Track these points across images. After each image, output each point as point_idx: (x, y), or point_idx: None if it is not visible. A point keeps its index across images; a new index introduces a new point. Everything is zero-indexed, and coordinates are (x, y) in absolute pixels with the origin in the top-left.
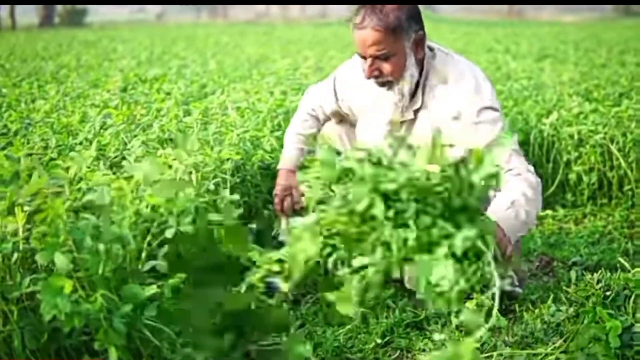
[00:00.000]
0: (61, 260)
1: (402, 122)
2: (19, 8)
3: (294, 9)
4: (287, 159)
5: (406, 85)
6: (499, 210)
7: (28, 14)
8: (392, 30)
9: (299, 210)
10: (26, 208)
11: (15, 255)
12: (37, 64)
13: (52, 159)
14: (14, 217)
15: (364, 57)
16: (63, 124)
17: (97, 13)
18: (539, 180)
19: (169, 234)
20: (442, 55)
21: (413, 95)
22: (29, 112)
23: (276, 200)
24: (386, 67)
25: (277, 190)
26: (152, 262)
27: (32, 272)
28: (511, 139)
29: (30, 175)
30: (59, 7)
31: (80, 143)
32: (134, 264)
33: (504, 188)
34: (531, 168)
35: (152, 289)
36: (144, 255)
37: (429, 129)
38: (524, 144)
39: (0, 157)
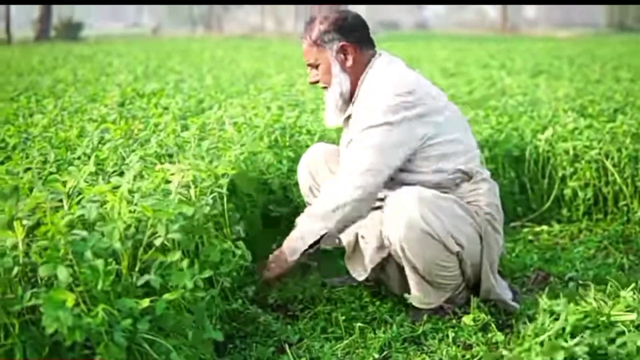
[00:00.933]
0: (63, 274)
1: (346, 119)
2: (14, 22)
3: (289, 24)
4: None
5: (336, 89)
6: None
7: (24, 28)
8: (314, 42)
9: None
10: (25, 222)
11: (16, 269)
12: (33, 78)
13: (51, 174)
14: (14, 231)
15: None
16: (61, 139)
17: (92, 27)
18: (359, 183)
19: (158, 242)
20: (383, 62)
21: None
22: (27, 127)
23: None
24: (318, 74)
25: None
26: (146, 277)
27: (32, 286)
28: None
29: (30, 190)
30: (55, 21)
31: (79, 158)
32: (127, 277)
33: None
34: (371, 169)
35: (145, 303)
36: (137, 268)
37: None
38: (519, 160)
39: (0, 171)
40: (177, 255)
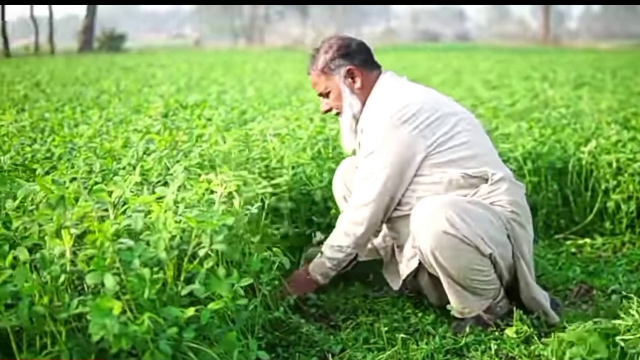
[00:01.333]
0: (110, 282)
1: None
2: (57, 33)
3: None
4: None
5: (349, 112)
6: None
7: (67, 39)
8: (321, 71)
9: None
10: (73, 231)
11: (63, 276)
12: (77, 89)
13: (96, 183)
14: (61, 240)
15: None
16: (106, 149)
17: (135, 39)
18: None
19: (202, 252)
20: (386, 80)
21: None
22: (73, 137)
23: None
24: (330, 102)
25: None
26: (191, 287)
27: (79, 294)
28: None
29: (76, 199)
30: (98, 33)
31: (124, 168)
32: (172, 286)
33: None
34: (375, 199)
35: (190, 311)
36: (182, 277)
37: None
38: (562, 173)
39: (47, 181)
40: (212, 262)
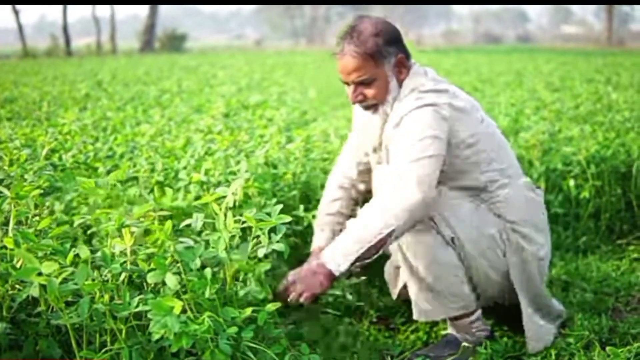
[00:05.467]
0: (172, 281)
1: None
2: (119, 33)
3: None
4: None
5: (389, 107)
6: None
7: (128, 39)
8: (371, 56)
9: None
10: (133, 230)
11: (123, 275)
12: (139, 88)
13: (158, 183)
14: (122, 238)
15: (347, 84)
16: (168, 148)
17: (195, 40)
18: (416, 194)
19: (261, 253)
20: (419, 72)
21: None
22: (134, 136)
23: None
24: (369, 91)
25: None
26: (248, 288)
27: (139, 292)
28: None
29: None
30: (159, 33)
31: (185, 167)
32: (231, 286)
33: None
34: (425, 179)
35: (247, 312)
36: (241, 277)
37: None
38: (626, 177)
39: (90, 184)
40: (268, 265)
